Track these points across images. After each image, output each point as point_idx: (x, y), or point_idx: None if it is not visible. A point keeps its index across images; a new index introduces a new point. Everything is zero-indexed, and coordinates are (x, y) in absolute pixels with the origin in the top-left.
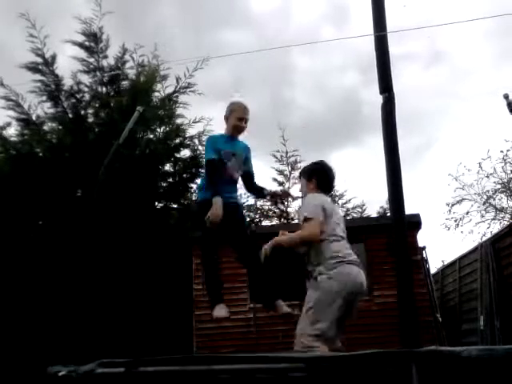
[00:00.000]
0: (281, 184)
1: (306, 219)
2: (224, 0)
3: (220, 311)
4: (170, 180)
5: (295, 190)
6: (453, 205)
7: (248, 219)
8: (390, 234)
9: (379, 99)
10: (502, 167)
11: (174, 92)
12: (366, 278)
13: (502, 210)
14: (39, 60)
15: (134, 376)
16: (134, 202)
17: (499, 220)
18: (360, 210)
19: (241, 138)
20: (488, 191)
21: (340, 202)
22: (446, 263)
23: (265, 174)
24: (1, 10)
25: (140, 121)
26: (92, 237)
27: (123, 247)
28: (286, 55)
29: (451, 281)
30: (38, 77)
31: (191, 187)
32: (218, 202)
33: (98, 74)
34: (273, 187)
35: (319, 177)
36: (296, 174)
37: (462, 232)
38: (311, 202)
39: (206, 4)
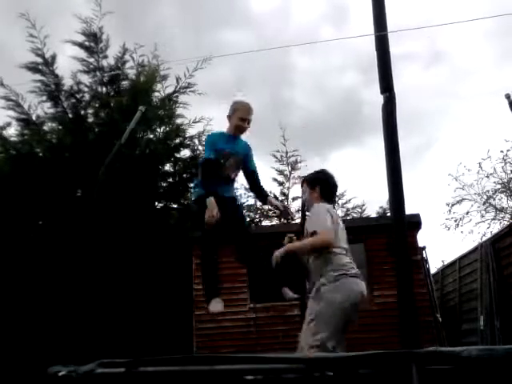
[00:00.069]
0: (281, 184)
1: (317, 232)
2: (224, 0)
3: (216, 305)
4: (170, 180)
5: (295, 190)
6: (453, 205)
7: (248, 219)
8: (390, 234)
9: (380, 99)
10: (502, 167)
11: (174, 92)
12: (366, 278)
13: (502, 210)
14: (39, 60)
15: (134, 376)
16: (134, 202)
17: (499, 220)
18: (360, 210)
19: (242, 136)
20: (488, 191)
21: (340, 202)
22: (446, 263)
23: (265, 174)
24: (1, 10)
25: (141, 121)
26: (92, 237)
27: (123, 247)
28: (285, 55)
29: (451, 281)
30: (38, 77)
31: (191, 187)
32: (211, 202)
33: (97, 74)
34: (273, 188)
35: (322, 185)
36: (296, 174)
37: (462, 232)
38: (320, 211)
39: (205, 4)
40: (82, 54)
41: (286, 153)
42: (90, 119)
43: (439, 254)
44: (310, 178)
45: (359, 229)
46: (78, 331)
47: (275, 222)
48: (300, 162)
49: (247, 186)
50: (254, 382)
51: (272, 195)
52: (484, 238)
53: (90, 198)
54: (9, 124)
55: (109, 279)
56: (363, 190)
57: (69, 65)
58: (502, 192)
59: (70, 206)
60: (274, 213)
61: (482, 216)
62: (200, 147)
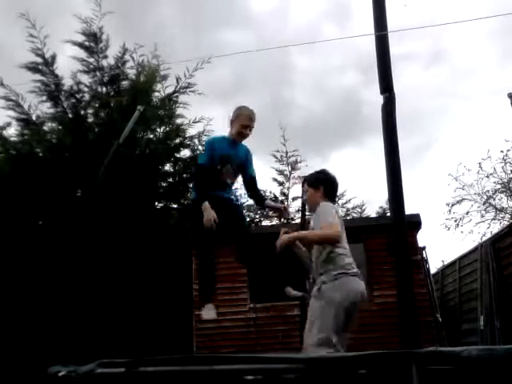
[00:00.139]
0: (281, 184)
1: (327, 225)
2: (224, 0)
3: (209, 313)
4: (170, 180)
5: (295, 190)
6: (453, 205)
7: (248, 219)
8: (390, 234)
9: (379, 99)
10: (502, 167)
11: (174, 92)
12: (365, 278)
13: (502, 210)
14: (39, 60)
15: (134, 376)
16: (134, 202)
17: (499, 220)
18: (360, 210)
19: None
20: (488, 191)
21: (340, 202)
22: (446, 263)
23: (265, 174)
24: (1, 10)
25: (140, 120)
26: (92, 237)
27: (123, 247)
28: (285, 55)
29: (451, 281)
30: (38, 77)
31: (191, 187)
32: (206, 207)
33: (97, 73)
34: (273, 188)
35: (326, 185)
36: (296, 174)
37: (462, 232)
38: (327, 210)
39: (205, 4)
40: (82, 54)
41: (286, 153)
42: (90, 119)
43: (439, 254)
44: (312, 178)
45: (359, 229)
46: (78, 331)
47: (275, 221)
48: (300, 162)
49: (246, 192)
50: (254, 381)
51: (272, 195)
52: (484, 238)
53: (89, 197)
54: (9, 124)
55: (109, 279)
56: (363, 190)
57: (69, 65)
58: (502, 192)
59: (70, 206)
60: (274, 213)
61: (482, 216)
62: (200, 147)
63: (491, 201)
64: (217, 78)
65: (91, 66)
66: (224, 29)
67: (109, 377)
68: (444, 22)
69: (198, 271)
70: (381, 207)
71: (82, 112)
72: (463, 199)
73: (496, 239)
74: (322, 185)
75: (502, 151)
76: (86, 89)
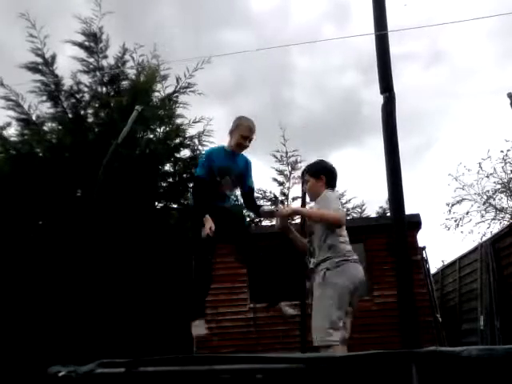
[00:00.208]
0: (281, 184)
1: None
2: (224, 0)
3: (198, 329)
4: (170, 180)
5: (295, 190)
6: (453, 205)
7: (248, 219)
8: (390, 234)
9: (379, 99)
10: (502, 167)
11: (174, 92)
12: (366, 278)
13: (502, 210)
14: (39, 60)
15: (134, 376)
16: (134, 202)
17: (499, 220)
18: (360, 210)
19: None
20: (488, 191)
21: (340, 201)
22: (446, 263)
23: (265, 174)
24: (1, 10)
25: (140, 120)
26: (92, 237)
27: (123, 247)
28: (285, 55)
29: (451, 281)
30: (38, 77)
31: (191, 187)
32: (207, 220)
33: (97, 73)
34: (273, 188)
35: (327, 175)
36: (296, 174)
37: (462, 232)
38: (332, 197)
39: (205, 4)
40: (82, 54)
41: (286, 153)
42: (90, 119)
43: (439, 254)
44: (314, 168)
45: (359, 229)
46: (78, 331)
47: (275, 221)
48: (300, 162)
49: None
50: (254, 381)
51: (272, 195)
52: (484, 238)
53: (89, 198)
54: (9, 124)
55: (109, 279)
56: (363, 190)
57: (69, 65)
58: (502, 192)
59: (69, 206)
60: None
61: (482, 216)
62: (200, 147)
63: (491, 201)
64: (217, 78)
65: (91, 66)
66: (224, 29)
67: (109, 377)
68: (444, 21)
69: (193, 283)
70: (381, 207)
71: (82, 112)
72: (463, 199)
73: (496, 239)
74: (324, 174)
75: (502, 151)
76: (85, 89)
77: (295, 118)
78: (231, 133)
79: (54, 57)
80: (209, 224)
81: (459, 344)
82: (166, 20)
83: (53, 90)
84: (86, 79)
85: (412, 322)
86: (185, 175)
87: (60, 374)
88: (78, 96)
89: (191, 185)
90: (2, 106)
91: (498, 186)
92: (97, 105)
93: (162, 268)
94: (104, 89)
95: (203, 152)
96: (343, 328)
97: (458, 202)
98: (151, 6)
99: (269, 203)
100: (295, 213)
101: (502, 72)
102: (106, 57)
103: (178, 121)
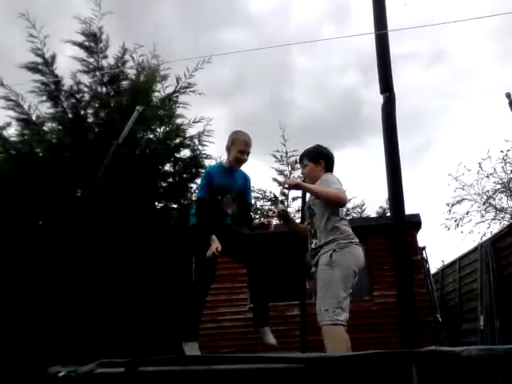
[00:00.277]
0: (281, 184)
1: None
2: (223, 0)
3: (191, 350)
4: (170, 180)
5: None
6: (453, 205)
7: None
8: (390, 234)
9: (379, 99)
10: (502, 167)
11: (174, 92)
12: (366, 278)
13: (502, 210)
14: (39, 60)
15: (134, 376)
16: (134, 202)
17: (499, 220)
18: (360, 210)
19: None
20: (488, 191)
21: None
22: (446, 263)
23: (265, 174)
24: (1, 10)
25: (140, 120)
26: (92, 237)
27: (123, 247)
28: (285, 54)
29: (451, 281)
30: (38, 77)
31: (191, 187)
32: (214, 240)
33: (97, 73)
34: (273, 188)
35: (326, 159)
36: (296, 174)
37: (462, 232)
38: (333, 179)
39: (205, 4)
40: (82, 54)
41: (286, 153)
42: (90, 119)
43: (439, 254)
44: (313, 152)
45: (359, 229)
46: (78, 331)
47: (275, 222)
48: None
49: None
50: (254, 381)
51: (272, 195)
52: (484, 238)
53: (89, 198)
54: (9, 124)
55: (109, 279)
56: (363, 190)
57: (69, 65)
58: (502, 192)
59: (69, 206)
60: (274, 213)
61: (482, 216)
62: (200, 147)
63: (491, 201)
64: (217, 78)
65: (91, 66)
66: (223, 28)
67: (109, 377)
68: (445, 21)
69: (187, 304)
70: (381, 207)
71: (82, 112)
72: (463, 199)
73: (496, 239)
74: (323, 159)
75: (502, 151)
76: (85, 89)
77: (295, 117)
78: (228, 149)
79: (53, 57)
80: (215, 244)
81: (459, 344)
82: (166, 20)
83: (53, 90)
84: (85, 79)
85: (412, 322)
86: (185, 175)
87: (60, 374)
88: (77, 96)
89: (194, 207)
90: (2, 106)
91: (498, 186)
92: (97, 105)
93: (162, 268)
94: (104, 89)
95: (202, 170)
96: (347, 309)
97: (457, 202)
98: (150, 6)
99: (269, 203)
100: (299, 186)
101: (502, 72)
102: (105, 57)
103: (178, 121)
